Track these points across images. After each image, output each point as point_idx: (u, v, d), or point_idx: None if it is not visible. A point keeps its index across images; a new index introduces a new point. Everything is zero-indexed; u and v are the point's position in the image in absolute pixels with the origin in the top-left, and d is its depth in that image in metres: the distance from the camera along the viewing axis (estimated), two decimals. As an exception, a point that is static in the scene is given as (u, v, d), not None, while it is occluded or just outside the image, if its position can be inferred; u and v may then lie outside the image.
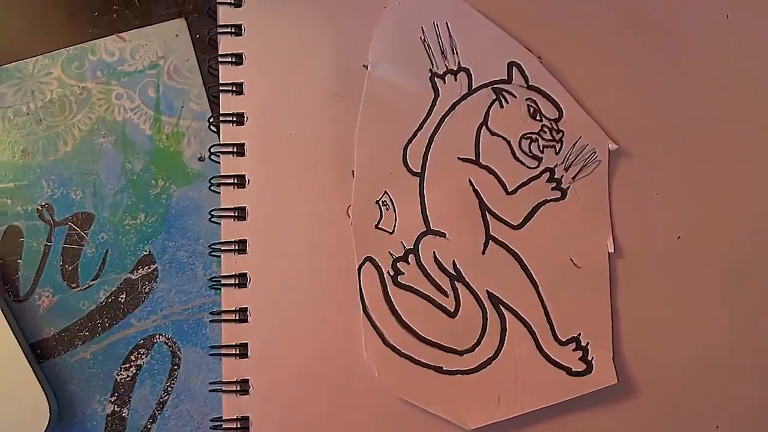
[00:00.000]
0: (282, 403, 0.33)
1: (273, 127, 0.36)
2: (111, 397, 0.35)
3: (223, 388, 0.33)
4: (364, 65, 0.36)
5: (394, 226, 0.34)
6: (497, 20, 0.36)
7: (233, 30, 0.37)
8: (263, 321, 0.34)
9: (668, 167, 0.35)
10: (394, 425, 0.33)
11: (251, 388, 0.33)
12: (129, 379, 0.35)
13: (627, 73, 0.36)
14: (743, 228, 0.34)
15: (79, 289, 0.36)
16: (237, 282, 0.34)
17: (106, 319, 0.36)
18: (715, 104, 0.35)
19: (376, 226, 0.34)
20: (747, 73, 0.35)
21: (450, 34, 0.35)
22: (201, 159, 0.38)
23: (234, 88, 0.36)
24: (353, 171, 0.35)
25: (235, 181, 0.35)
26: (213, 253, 0.35)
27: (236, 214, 0.35)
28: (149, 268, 0.37)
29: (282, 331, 0.34)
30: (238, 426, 0.33)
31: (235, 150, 0.35)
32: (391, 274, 0.34)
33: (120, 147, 0.38)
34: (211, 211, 0.35)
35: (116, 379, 0.35)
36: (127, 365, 0.36)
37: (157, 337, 0.36)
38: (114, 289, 0.36)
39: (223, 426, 0.33)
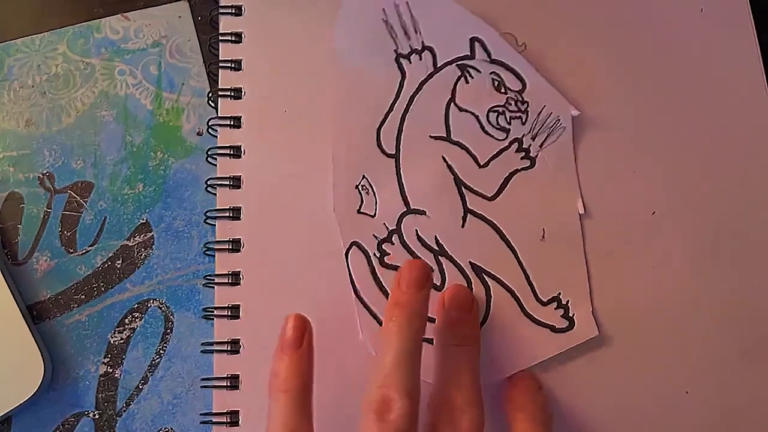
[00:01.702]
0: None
1: (269, 102, 0.37)
2: (104, 358, 0.36)
3: (215, 348, 0.34)
4: (358, 46, 0.38)
5: (375, 209, 0.35)
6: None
7: (233, 10, 0.39)
8: (255, 283, 0.35)
9: (646, 147, 0.36)
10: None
11: (242, 347, 0.34)
12: (122, 341, 0.36)
13: (606, 53, 0.37)
14: (716, 205, 0.36)
15: (76, 254, 0.38)
16: (230, 247, 0.35)
17: (102, 284, 0.37)
18: (692, 85, 0.37)
19: (358, 211, 0.35)
20: (722, 55, 0.37)
21: (411, 14, 0.36)
22: (199, 133, 0.39)
23: (233, 65, 0.38)
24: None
25: (231, 152, 0.37)
26: (208, 221, 0.36)
27: (231, 183, 0.36)
28: (146, 235, 0.38)
29: (273, 292, 0.35)
30: (228, 384, 0.34)
31: (231, 123, 0.37)
32: (377, 255, 0.35)
33: (121, 120, 0.39)
34: (208, 179, 0.36)
35: (110, 341, 0.36)
36: (121, 328, 0.37)
37: (152, 302, 0.37)
38: (111, 254, 0.38)
39: (214, 384, 0.34)
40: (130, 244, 0.38)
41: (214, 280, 0.35)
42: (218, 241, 0.35)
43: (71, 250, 0.38)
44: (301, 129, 0.37)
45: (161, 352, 0.36)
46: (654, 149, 0.36)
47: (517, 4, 0.38)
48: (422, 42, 0.36)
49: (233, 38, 0.38)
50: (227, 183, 0.36)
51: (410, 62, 0.36)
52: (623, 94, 0.37)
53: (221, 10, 0.39)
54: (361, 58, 0.37)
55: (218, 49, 0.38)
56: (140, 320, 0.37)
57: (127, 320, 0.37)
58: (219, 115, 0.37)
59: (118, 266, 0.37)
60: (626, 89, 0.37)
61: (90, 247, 0.38)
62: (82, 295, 0.37)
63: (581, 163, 0.36)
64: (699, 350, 0.34)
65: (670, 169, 0.36)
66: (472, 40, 0.36)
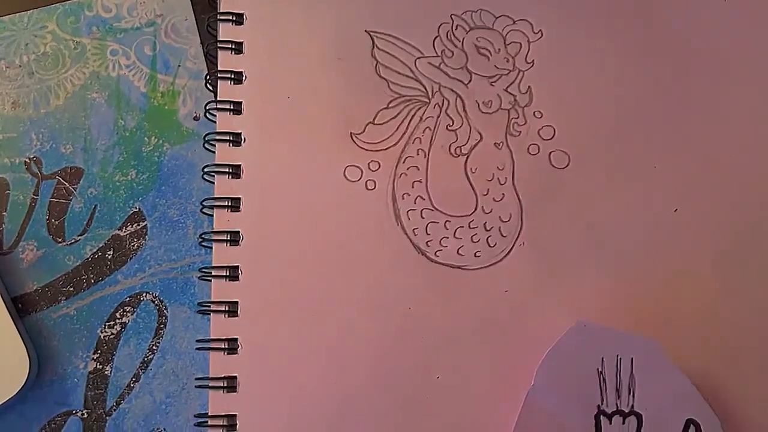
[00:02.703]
0: (272, 363, 0.32)
1: (272, 88, 0.35)
2: (94, 354, 0.34)
3: (211, 346, 0.32)
4: (366, 30, 0.36)
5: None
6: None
7: (235, -11, 0.37)
8: (255, 280, 0.33)
9: (668, 142, 0.35)
10: (385, 388, 0.32)
11: (240, 347, 0.32)
12: (113, 336, 0.35)
13: (626, 43, 0.36)
14: (741, 205, 0.34)
15: (65, 243, 0.36)
16: (229, 239, 0.33)
17: (91, 275, 0.35)
18: (717, 78, 0.35)
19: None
20: (748, 48, 0.36)
21: (632, 373, 0.32)
22: (196, 118, 0.37)
23: (233, 47, 0.36)
24: (351, 133, 0.35)
25: (231, 138, 0.35)
26: (204, 210, 0.34)
27: (231, 172, 0.34)
28: (138, 225, 0.36)
29: (274, 291, 0.33)
30: (225, 385, 0.32)
31: (232, 108, 0.35)
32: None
33: (113, 103, 0.37)
34: (205, 167, 0.34)
35: (100, 336, 0.35)
36: (112, 323, 0.35)
37: (144, 294, 0.35)
38: (101, 245, 0.36)
39: (210, 384, 0.32)
40: (122, 234, 0.36)
41: (210, 273, 0.33)
42: (216, 232, 0.33)
43: (59, 240, 0.36)
44: (305, 117, 0.35)
45: (154, 348, 0.34)
46: (676, 145, 0.35)
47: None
48: (632, 406, 0.31)
49: (234, 19, 0.36)
50: (226, 171, 0.34)
51: (610, 423, 0.31)
52: (644, 87, 0.35)
53: (221, -12, 0.37)
54: (558, 401, 0.31)
55: (217, 30, 0.36)
56: (132, 314, 0.35)
57: (118, 314, 0.35)
58: (218, 98, 0.35)
59: (109, 257, 0.35)
60: (647, 81, 0.36)
61: (79, 237, 0.36)
62: (70, 287, 0.35)
63: (602, 159, 0.34)
64: (720, 354, 0.33)
65: (692, 166, 0.35)
66: (688, 422, 0.31)
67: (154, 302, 0.35)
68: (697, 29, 0.36)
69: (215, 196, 0.34)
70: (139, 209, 0.36)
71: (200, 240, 0.35)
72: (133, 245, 0.36)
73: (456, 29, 0.37)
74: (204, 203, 0.34)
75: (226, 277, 0.33)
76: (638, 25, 0.36)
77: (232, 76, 0.35)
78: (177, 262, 0.35)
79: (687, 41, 0.36)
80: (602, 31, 0.36)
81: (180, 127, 0.37)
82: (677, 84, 0.35)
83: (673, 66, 0.36)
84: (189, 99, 0.38)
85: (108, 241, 0.36)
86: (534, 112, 0.35)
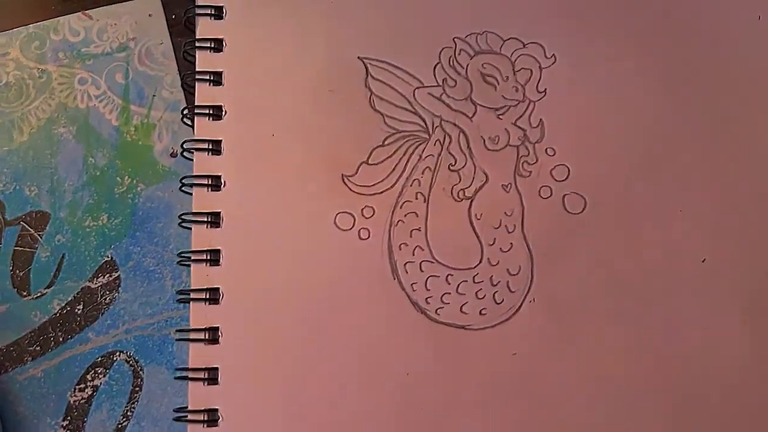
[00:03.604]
0: (254, 435, 0.29)
1: (255, 124, 0.32)
2: (63, 421, 0.31)
3: (189, 417, 0.29)
4: (359, 57, 0.33)
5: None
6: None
7: (213, 12, 0.33)
8: (236, 343, 0.30)
9: (694, 180, 0.31)
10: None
11: (221, 418, 0.29)
12: (84, 401, 0.32)
13: (647, 67, 0.32)
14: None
15: (30, 297, 0.32)
16: (208, 297, 0.30)
17: (60, 333, 0.32)
18: (753, 113, 0.32)
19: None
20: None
21: None
22: (173, 155, 0.34)
23: (212, 77, 0.32)
24: (343, 176, 0.31)
25: (210, 182, 0.31)
26: (182, 262, 0.31)
27: (209, 220, 0.31)
28: (111, 276, 0.33)
29: (256, 356, 0.30)
30: (206, 460, 0.29)
31: (210, 147, 0.32)
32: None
33: (82, 138, 0.34)
34: (182, 214, 0.31)
35: (69, 401, 0.32)
36: (83, 386, 0.32)
37: (118, 354, 0.32)
38: (70, 298, 0.32)
39: (188, 463, 0.29)
40: (93, 286, 0.33)
41: (188, 335, 0.30)
42: (194, 290, 0.30)
43: (24, 293, 0.33)
44: (291, 157, 0.31)
45: (129, 414, 0.31)
46: (705, 187, 0.31)
47: (546, 12, 0.33)
48: None
49: (212, 45, 0.33)
50: (205, 220, 0.31)
51: None
52: (671, 120, 0.32)
53: (198, 11, 0.33)
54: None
55: (194, 56, 0.33)
56: (104, 376, 0.32)
57: (89, 376, 0.32)
58: (195, 136, 0.32)
59: (79, 312, 0.32)
60: (674, 114, 0.32)
61: (46, 290, 0.33)
62: (37, 346, 0.32)
63: (622, 203, 0.31)
64: (750, 408, 0.29)
65: (723, 210, 0.31)
66: None
67: (128, 362, 0.32)
68: (734, 51, 0.32)
69: (192, 248, 0.31)
70: (112, 258, 0.33)
71: (178, 298, 0.31)
72: (105, 298, 0.33)
73: (459, 54, 0.33)
74: (180, 254, 0.31)
75: (204, 340, 0.30)
76: (665, 48, 0.33)
77: (211, 111, 0.32)
78: (153, 317, 0.32)
79: (722, 65, 0.32)
80: (624, 55, 0.33)
81: (156, 165, 0.34)
82: (709, 117, 0.32)
83: (706, 96, 0.32)
84: (165, 133, 0.34)
85: (77, 294, 0.33)
86: (546, 149, 0.32)
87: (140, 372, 0.32)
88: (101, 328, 0.32)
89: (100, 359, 0.32)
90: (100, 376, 0.32)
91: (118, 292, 0.33)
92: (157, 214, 0.33)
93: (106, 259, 0.33)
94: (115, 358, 0.32)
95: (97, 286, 0.33)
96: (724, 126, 0.32)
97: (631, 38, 0.33)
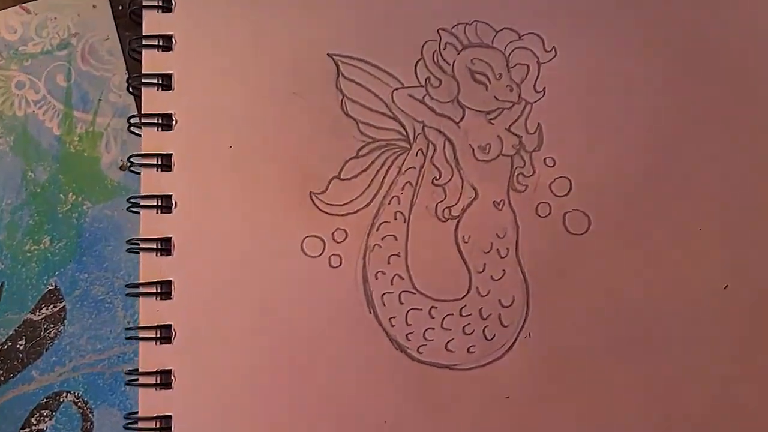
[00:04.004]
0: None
1: (209, 135, 0.28)
2: (5, 470, 0.28)
3: (140, 472, 0.26)
4: (329, 54, 0.28)
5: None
6: None
7: (161, 3, 0.29)
8: (192, 388, 0.26)
9: (714, 200, 0.27)
10: None
11: (174, 472, 0.26)
12: (28, 447, 0.29)
13: (666, 72, 0.28)
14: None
15: (-34, 332, 0.29)
16: (159, 335, 0.27)
17: (0, 372, 0.29)
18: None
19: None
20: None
21: None
22: (123, 168, 0.30)
23: (160, 81, 0.28)
24: (311, 193, 0.27)
25: (159, 204, 0.27)
26: (130, 294, 0.27)
27: (159, 247, 0.27)
28: (55, 306, 0.29)
29: (215, 402, 0.26)
30: None
31: (160, 162, 0.28)
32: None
33: (20, 151, 0.30)
34: (129, 240, 0.27)
35: (12, 448, 0.29)
36: (27, 430, 0.29)
37: (64, 395, 0.29)
38: (11, 333, 0.29)
39: None
40: (36, 319, 0.29)
41: (138, 379, 0.26)
42: (142, 327, 0.27)
43: (-41, 328, 0.29)
44: (251, 173, 0.28)
45: (78, 462, 0.28)
46: (726, 198, 0.27)
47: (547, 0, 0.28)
48: None
49: (161, 43, 0.28)
50: (154, 247, 0.27)
51: None
52: (690, 124, 0.28)
53: (144, 2, 0.29)
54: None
55: (141, 54, 0.29)
56: (50, 419, 0.29)
57: (33, 419, 0.29)
58: (142, 150, 0.28)
59: (21, 348, 0.29)
60: (693, 117, 0.28)
61: (-17, 323, 0.29)
62: (-26, 386, 0.29)
63: (632, 222, 0.27)
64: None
65: (748, 229, 0.27)
66: None
67: (76, 404, 0.29)
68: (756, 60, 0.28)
69: (140, 279, 0.27)
70: (56, 286, 0.29)
71: (127, 335, 0.28)
72: (50, 332, 0.29)
73: (444, 48, 0.28)
74: (128, 286, 0.27)
75: (156, 385, 0.26)
76: (682, 40, 0.28)
77: (160, 120, 0.28)
78: (104, 352, 0.29)
79: (749, 62, 0.28)
80: (634, 49, 0.28)
81: (103, 180, 0.30)
82: (734, 120, 0.28)
83: (727, 95, 0.28)
84: (114, 143, 0.30)
85: (19, 327, 0.29)
86: (545, 160, 0.28)
87: (90, 415, 0.29)
88: (46, 366, 0.29)
89: (45, 401, 0.29)
90: (46, 419, 0.29)
91: (64, 325, 0.29)
92: (106, 236, 0.30)
93: (49, 287, 0.29)
94: (61, 400, 0.29)
95: (40, 318, 0.29)
96: (751, 133, 0.27)
97: (643, 28, 0.28)
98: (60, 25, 0.31)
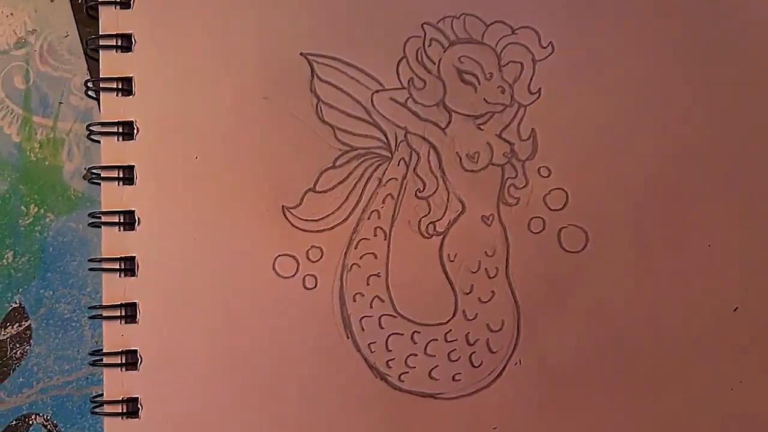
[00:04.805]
0: None
1: (174, 145, 0.26)
2: (-25, 494, 0.28)
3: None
4: (302, 54, 0.26)
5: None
6: None
7: (118, -1, 0.26)
8: (159, 416, 0.25)
9: (727, 209, 0.25)
10: None
11: (143, 503, 0.25)
12: (-2, 472, 0.28)
13: (674, 71, 0.25)
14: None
15: (-72, 353, 0.28)
16: (124, 361, 0.25)
17: (-35, 394, 0.28)
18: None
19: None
20: None
21: None
22: (87, 177, 0.28)
23: (120, 86, 0.26)
24: (283, 207, 0.25)
25: (122, 220, 0.25)
26: (94, 317, 0.26)
27: (123, 267, 0.25)
28: (20, 325, 0.28)
29: (182, 430, 0.25)
30: None
31: (121, 174, 0.26)
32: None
33: (-22, 159, 0.28)
34: (91, 259, 0.26)
35: (-20, 473, 0.28)
36: (-4, 453, 0.28)
37: (34, 417, 0.28)
38: (-25, 353, 0.28)
39: None
40: (1, 338, 0.28)
41: (102, 407, 0.25)
42: (107, 353, 0.25)
43: None
44: (218, 185, 0.25)
45: (49, 487, 0.27)
46: (737, 211, 0.25)
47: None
48: None
49: (119, 43, 0.26)
50: (116, 267, 0.25)
51: None
52: (696, 127, 0.25)
53: (101, -3, 0.26)
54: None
55: (99, 54, 0.26)
56: (20, 442, 0.28)
57: (2, 442, 0.28)
58: (102, 161, 0.26)
59: (-14, 369, 0.28)
60: (700, 117, 0.25)
61: (-54, 343, 0.28)
62: (-60, 409, 0.28)
63: (634, 238, 0.24)
64: None
65: (758, 242, 0.25)
66: None
67: (46, 427, 0.27)
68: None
69: (103, 301, 0.25)
70: (20, 304, 0.28)
71: (91, 360, 0.26)
72: (16, 352, 0.28)
73: (429, 45, 0.26)
74: (92, 308, 0.26)
75: (122, 414, 0.25)
76: (693, 36, 0.25)
77: (120, 129, 0.26)
78: (72, 374, 0.28)
79: (761, 63, 0.25)
80: (640, 45, 0.25)
81: (66, 191, 0.28)
82: (749, 127, 0.25)
83: (743, 99, 0.25)
84: (76, 150, 0.28)
85: (-17, 347, 0.28)
86: (539, 169, 0.25)
87: (59, 438, 0.27)
88: (13, 387, 0.28)
89: (14, 423, 0.28)
90: (15, 442, 0.28)
91: (30, 345, 0.28)
92: (71, 250, 0.28)
93: (13, 305, 0.28)
94: (30, 422, 0.28)
95: (5, 337, 0.28)
96: (765, 141, 0.25)
97: (651, 22, 0.25)
98: (16, 22, 0.29)
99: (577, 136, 0.25)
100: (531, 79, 0.26)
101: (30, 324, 0.28)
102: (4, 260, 0.28)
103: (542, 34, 0.26)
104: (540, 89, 0.25)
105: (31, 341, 0.28)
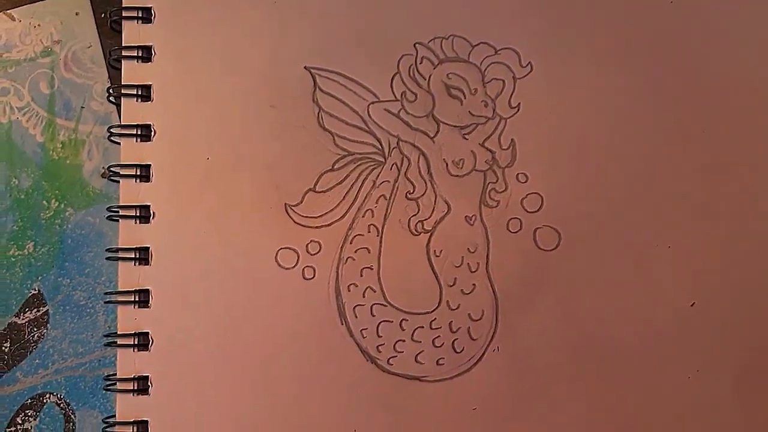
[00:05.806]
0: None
1: (186, 147, 0.28)
2: (-9, 467, 0.29)
3: (117, 476, 0.27)
4: (306, 67, 0.29)
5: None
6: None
7: (141, 14, 0.29)
8: (168, 394, 0.27)
9: (686, 215, 0.27)
10: None
11: (150, 476, 0.27)
12: (13, 446, 0.29)
13: (641, 89, 0.28)
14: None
15: (-48, 334, 0.30)
16: (136, 342, 0.27)
17: (-15, 373, 0.30)
18: (748, 139, 0.27)
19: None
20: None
21: None
22: (105, 175, 0.31)
23: (140, 92, 0.29)
24: (286, 205, 0.28)
25: (138, 214, 0.28)
26: (109, 302, 0.28)
27: (137, 256, 0.28)
28: (38, 310, 0.30)
29: (190, 409, 0.27)
30: None
31: (138, 173, 0.28)
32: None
33: (4, 157, 0.31)
34: (108, 249, 0.28)
35: (-3, 447, 0.30)
36: (13, 429, 0.29)
37: (48, 396, 0.30)
38: (-5, 335, 0.30)
39: None
40: (20, 322, 0.30)
41: (115, 384, 0.27)
42: (121, 335, 0.27)
43: (-55, 330, 0.30)
44: (227, 184, 0.28)
45: (60, 461, 0.29)
46: (696, 216, 0.27)
47: (522, 12, 0.28)
48: None
49: (140, 54, 0.29)
50: (132, 256, 0.28)
51: None
52: (660, 139, 0.28)
53: (124, 13, 0.29)
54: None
55: (121, 64, 0.29)
56: (35, 419, 0.29)
57: (19, 419, 0.29)
58: (121, 160, 0.28)
59: (6, 350, 0.30)
60: (664, 131, 0.28)
61: (-31, 326, 0.30)
62: (-40, 387, 0.30)
63: (602, 238, 0.27)
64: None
65: (717, 246, 0.27)
66: None
67: (59, 405, 0.29)
68: (736, 64, 0.28)
69: (119, 287, 0.28)
70: (39, 291, 0.30)
71: (106, 341, 0.28)
72: (33, 335, 0.30)
73: (421, 63, 0.29)
74: (106, 294, 0.28)
75: (133, 391, 0.27)
76: (659, 56, 0.28)
77: (139, 131, 0.28)
78: (85, 356, 0.30)
79: (726, 77, 0.28)
80: (612, 65, 0.28)
81: (85, 187, 0.30)
82: (708, 137, 0.28)
83: (702, 111, 0.28)
84: (96, 150, 0.31)
85: (4, 330, 0.30)
86: (517, 175, 0.28)
87: (72, 416, 0.29)
88: (30, 368, 0.30)
89: (29, 401, 0.30)
90: (31, 419, 0.29)
91: (47, 329, 0.30)
92: (88, 242, 0.30)
93: (33, 292, 0.30)
94: (45, 401, 0.30)
95: (24, 321, 0.30)
96: (723, 150, 0.27)
97: (620, 44, 0.28)
98: (43, 32, 0.31)
99: (552, 147, 0.28)
100: (512, 94, 0.28)
101: (47, 309, 0.30)
102: (25, 250, 0.30)
103: (522, 54, 0.28)
104: (519, 104, 0.28)
105: (48, 325, 0.30)
